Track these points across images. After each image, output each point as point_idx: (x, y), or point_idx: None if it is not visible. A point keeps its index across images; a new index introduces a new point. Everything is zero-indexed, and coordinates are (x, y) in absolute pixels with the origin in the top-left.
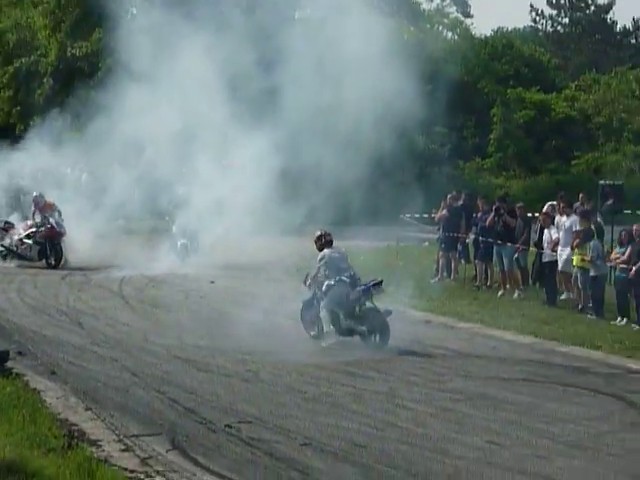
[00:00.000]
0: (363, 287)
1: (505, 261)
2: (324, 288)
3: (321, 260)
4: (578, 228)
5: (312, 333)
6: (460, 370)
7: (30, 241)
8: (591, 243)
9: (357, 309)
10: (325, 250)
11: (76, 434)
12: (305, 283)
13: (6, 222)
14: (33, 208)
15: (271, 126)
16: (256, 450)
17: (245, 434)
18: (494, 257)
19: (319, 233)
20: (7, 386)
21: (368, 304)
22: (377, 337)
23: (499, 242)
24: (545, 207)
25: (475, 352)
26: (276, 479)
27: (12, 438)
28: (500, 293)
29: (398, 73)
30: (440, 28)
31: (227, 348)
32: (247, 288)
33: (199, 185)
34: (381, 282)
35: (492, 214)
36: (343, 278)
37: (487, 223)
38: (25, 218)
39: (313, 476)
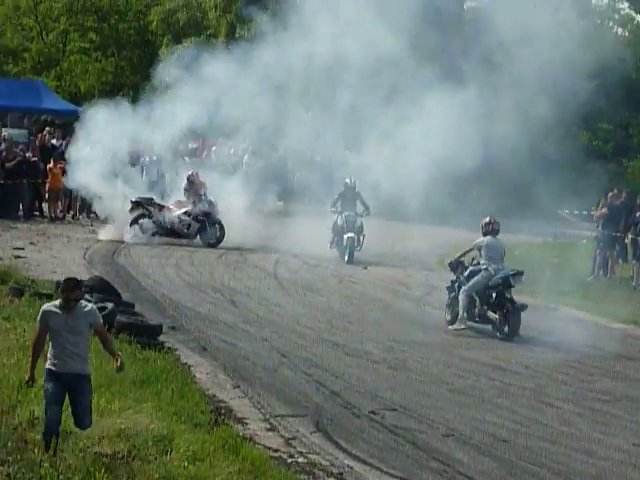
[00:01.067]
0: (502, 275)
1: None
2: (467, 273)
3: (479, 244)
4: None
5: (447, 317)
6: (610, 371)
7: (189, 218)
8: None
9: (493, 297)
10: (487, 237)
11: (223, 411)
12: (450, 265)
13: (148, 199)
14: (187, 186)
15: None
16: (399, 438)
17: (389, 421)
18: None
19: (488, 219)
20: (158, 359)
21: (506, 295)
22: (507, 328)
23: None
24: None
25: (627, 353)
26: (417, 468)
27: (161, 412)
28: None
29: (565, 67)
30: (611, 24)
31: (376, 334)
32: (400, 276)
33: (366, 170)
34: (522, 273)
35: None
36: (489, 269)
37: None
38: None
39: (455, 468)
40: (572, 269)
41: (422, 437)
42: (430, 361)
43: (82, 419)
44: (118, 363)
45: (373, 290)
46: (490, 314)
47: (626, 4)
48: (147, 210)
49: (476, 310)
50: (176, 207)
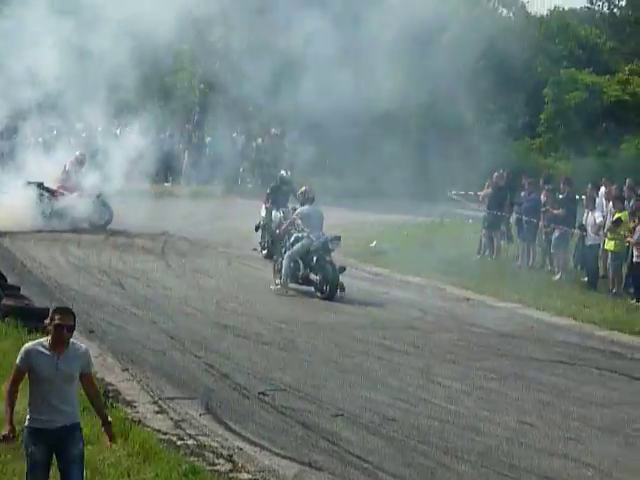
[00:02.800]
0: (322, 241)
1: (547, 242)
2: (292, 239)
3: (298, 214)
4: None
5: (277, 280)
6: (496, 349)
7: (83, 201)
8: (638, 227)
9: (314, 260)
10: (305, 206)
11: (111, 394)
12: (275, 231)
13: (39, 183)
14: (71, 167)
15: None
16: (288, 418)
17: (278, 402)
18: (537, 237)
19: (303, 189)
20: None
21: (326, 258)
22: (327, 288)
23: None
24: (588, 190)
25: (512, 332)
26: (307, 448)
27: None
28: (541, 274)
29: (451, 47)
30: (496, 5)
31: (265, 315)
32: None
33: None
34: (339, 237)
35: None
36: (310, 236)
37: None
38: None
39: (344, 447)
40: (458, 249)
41: (311, 417)
42: (319, 341)
43: (73, 474)
44: (108, 441)
45: (262, 272)
46: (312, 276)
47: None
48: (42, 194)
49: (300, 273)
50: (65, 190)
